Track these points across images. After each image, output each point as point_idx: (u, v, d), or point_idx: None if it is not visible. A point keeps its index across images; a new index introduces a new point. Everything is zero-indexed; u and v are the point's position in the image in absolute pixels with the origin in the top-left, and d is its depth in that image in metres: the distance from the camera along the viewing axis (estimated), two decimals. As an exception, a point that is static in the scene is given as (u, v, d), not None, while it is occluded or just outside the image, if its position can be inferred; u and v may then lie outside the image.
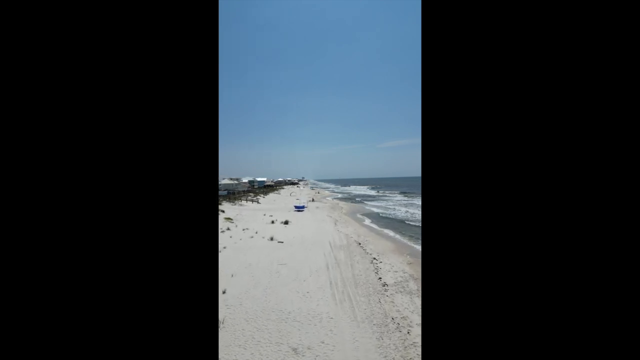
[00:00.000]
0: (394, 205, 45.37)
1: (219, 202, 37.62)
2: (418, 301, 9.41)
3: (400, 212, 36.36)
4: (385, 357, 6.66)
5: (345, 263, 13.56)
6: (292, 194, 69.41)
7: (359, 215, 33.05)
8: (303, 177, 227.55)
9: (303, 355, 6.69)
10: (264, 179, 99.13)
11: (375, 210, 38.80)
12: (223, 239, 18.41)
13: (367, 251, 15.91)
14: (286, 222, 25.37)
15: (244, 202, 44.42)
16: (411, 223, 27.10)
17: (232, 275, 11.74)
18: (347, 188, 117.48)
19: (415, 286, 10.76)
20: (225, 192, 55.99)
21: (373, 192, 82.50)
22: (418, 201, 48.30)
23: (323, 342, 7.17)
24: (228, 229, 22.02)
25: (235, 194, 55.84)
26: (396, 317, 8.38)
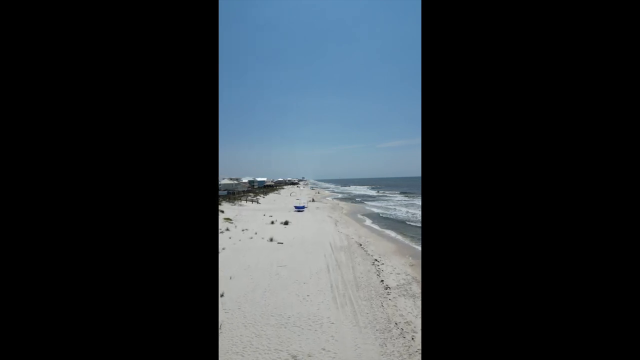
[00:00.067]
0: (394, 205, 45.10)
1: (219, 202, 37.36)
2: (422, 305, 9.13)
3: (401, 212, 36.09)
4: (389, 365, 6.38)
5: (346, 265, 13.28)
6: (292, 194, 69.15)
7: (359, 216, 32.76)
8: (303, 177, 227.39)
9: (303, 363, 6.41)
10: (264, 179, 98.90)
11: (376, 210, 38.52)
12: (222, 240, 18.15)
13: (368, 252, 15.63)
14: (286, 223, 25.09)
15: (243, 202, 44.14)
16: (412, 224, 26.82)
17: (231, 278, 11.46)
18: (347, 188, 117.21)
19: (418, 289, 10.48)
20: (225, 192, 55.73)
21: (373, 192, 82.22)
22: (418, 201, 48.02)
23: (324, 349, 6.90)
24: (227, 229, 21.75)
25: (235, 194, 55.56)
26: (399, 322, 8.11)
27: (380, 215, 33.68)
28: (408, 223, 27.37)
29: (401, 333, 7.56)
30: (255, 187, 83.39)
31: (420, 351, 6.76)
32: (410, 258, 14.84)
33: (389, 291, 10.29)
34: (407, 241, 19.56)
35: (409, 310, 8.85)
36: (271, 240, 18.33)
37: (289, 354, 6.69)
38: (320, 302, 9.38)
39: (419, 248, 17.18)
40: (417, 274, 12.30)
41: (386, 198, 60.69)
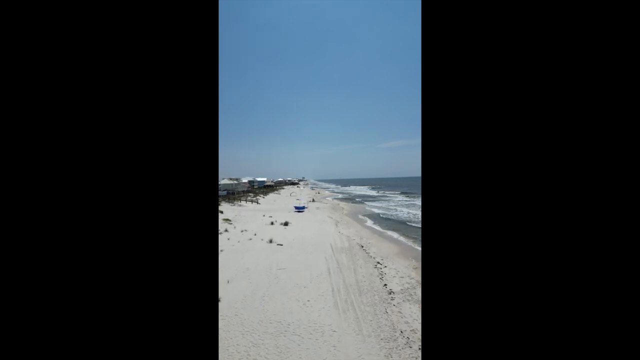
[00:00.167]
0: (395, 205, 44.68)
1: (218, 202, 36.96)
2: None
3: (402, 213, 35.67)
4: (396, 378, 5.96)
5: (347, 267, 12.86)
6: (292, 194, 68.75)
7: (360, 216, 32.35)
8: (303, 177, 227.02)
9: (303, 376, 5.99)
10: (264, 179, 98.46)
11: (377, 211, 38.11)
12: (220, 241, 17.72)
13: (370, 254, 15.21)
14: (286, 224, 24.67)
15: (243, 202, 43.73)
16: (414, 224, 26.41)
17: (228, 282, 11.04)
18: (347, 188, 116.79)
19: (424, 294, 10.05)
20: (224, 193, 55.29)
21: (374, 193, 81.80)
22: (419, 202, 47.56)
23: (326, 360, 6.48)
24: (226, 230, 21.33)
25: (234, 194, 55.14)
26: (405, 331, 7.69)
27: (381, 215, 33.27)
28: (410, 224, 26.94)
29: (407, 342, 7.14)
30: (255, 187, 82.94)
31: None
32: (413, 261, 14.41)
33: (393, 296, 9.87)
34: (409, 243, 19.14)
35: (415, 317, 8.42)
36: (271, 241, 17.91)
37: (289, 366, 6.28)
38: (321, 307, 8.97)
39: (422, 250, 16.75)
40: (422, 277, 11.87)
41: (387, 198, 60.26)
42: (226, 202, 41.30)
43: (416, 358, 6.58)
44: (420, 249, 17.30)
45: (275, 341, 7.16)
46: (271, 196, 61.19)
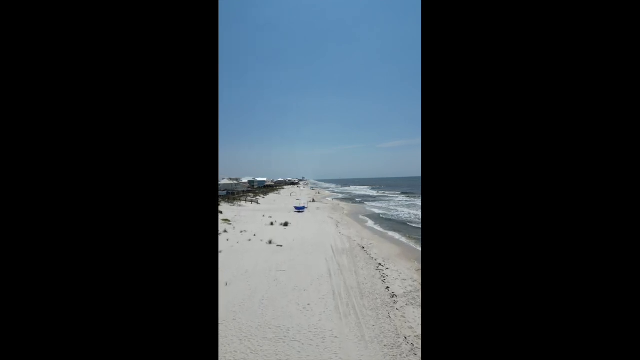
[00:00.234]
0: (396, 206, 44.42)
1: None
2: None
3: (403, 213, 35.41)
4: (400, 387, 5.69)
5: (348, 269, 12.59)
6: (292, 194, 68.48)
7: (361, 217, 32.07)
8: (303, 177, 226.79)
9: (304, 386, 5.72)
10: (264, 179, 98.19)
11: (377, 211, 37.84)
12: (219, 242, 17.45)
13: (371, 256, 14.94)
14: (286, 224, 24.40)
15: (243, 202, 43.45)
16: (415, 225, 26.14)
17: (227, 284, 10.77)
18: (347, 188, 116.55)
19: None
20: (224, 193, 54.99)
21: (374, 193, 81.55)
22: (420, 202, 47.30)
23: (327, 368, 6.20)
24: (225, 231, 21.06)
25: (234, 194, 54.85)
26: (409, 336, 7.41)
27: (382, 216, 33.01)
28: (411, 225, 26.70)
29: (412, 349, 6.87)
30: (255, 187, 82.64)
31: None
32: (416, 262, 14.13)
33: (396, 299, 9.60)
34: (411, 244, 18.86)
35: (419, 322, 8.14)
36: (270, 242, 17.64)
37: (288, 375, 6.01)
38: (321, 311, 8.69)
39: (424, 251, 16.49)
40: (424, 279, 11.61)
41: (387, 198, 60.00)
42: (226, 202, 41.01)
43: (421, 366, 6.31)
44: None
45: (274, 348, 6.89)
46: (271, 196, 60.92)
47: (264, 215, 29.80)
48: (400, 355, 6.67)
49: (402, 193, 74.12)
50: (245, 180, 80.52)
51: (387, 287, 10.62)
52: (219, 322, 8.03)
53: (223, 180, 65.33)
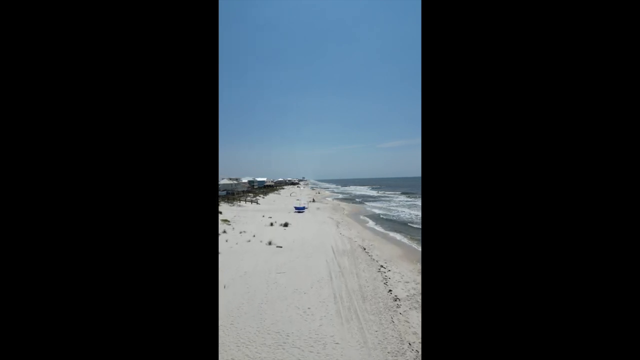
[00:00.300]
0: (396, 206, 44.15)
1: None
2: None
3: (404, 213, 35.13)
4: (406, 398, 5.40)
5: (349, 271, 12.31)
6: (292, 195, 68.22)
7: (361, 217, 31.80)
8: (303, 177, 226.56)
9: (304, 396, 5.44)
10: (264, 179, 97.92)
11: (378, 211, 37.58)
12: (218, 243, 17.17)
13: (373, 257, 14.66)
14: (286, 225, 24.13)
15: (242, 202, 43.17)
16: (416, 226, 25.85)
17: (225, 287, 10.50)
18: (347, 188, 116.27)
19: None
20: (224, 193, 54.67)
21: (374, 193, 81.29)
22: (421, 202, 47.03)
23: (328, 377, 5.93)
24: (224, 231, 20.78)
25: (234, 195, 54.55)
26: (414, 342, 7.13)
27: (383, 216, 32.74)
28: (412, 225, 26.40)
29: (417, 357, 6.59)
30: (255, 187, 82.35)
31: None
32: (418, 264, 13.85)
33: (399, 303, 9.32)
34: (413, 245, 18.59)
35: (423, 326, 7.87)
36: (270, 243, 17.36)
37: (288, 384, 5.73)
38: (322, 316, 8.42)
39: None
40: (428, 282, 11.32)
41: (387, 198, 59.73)
42: (225, 202, 40.72)
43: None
44: (424, 251, 16.76)
45: (273, 355, 6.61)
46: (271, 196, 60.65)
47: (263, 216, 29.53)
48: (404, 363, 6.39)
49: (403, 193, 73.85)
50: (245, 180, 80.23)
51: (390, 290, 10.34)
52: (216, 327, 7.76)
53: (223, 180, 65.02)
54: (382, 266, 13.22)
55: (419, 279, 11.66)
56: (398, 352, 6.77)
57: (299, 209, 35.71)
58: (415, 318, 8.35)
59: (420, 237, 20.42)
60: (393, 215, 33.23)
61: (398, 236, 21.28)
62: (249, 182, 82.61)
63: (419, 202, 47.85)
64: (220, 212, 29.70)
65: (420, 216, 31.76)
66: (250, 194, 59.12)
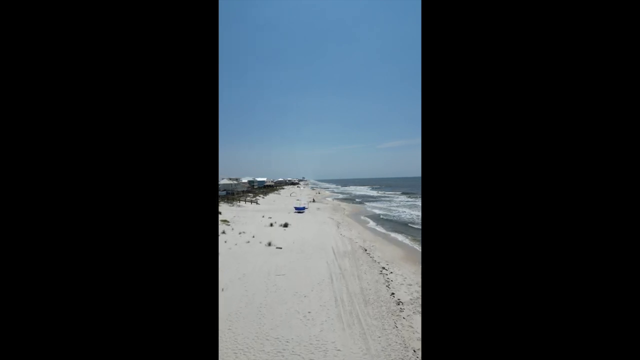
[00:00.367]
0: (397, 206, 43.87)
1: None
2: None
3: (405, 214, 34.85)
4: (412, 410, 5.11)
5: (351, 273, 12.03)
6: (292, 195, 67.94)
7: (362, 217, 31.52)
8: (303, 177, 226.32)
9: (304, 408, 5.15)
10: (264, 179, 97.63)
11: (379, 212, 37.29)
12: (216, 244, 16.89)
13: (374, 259, 14.37)
14: (285, 225, 23.84)
15: (242, 202, 42.88)
16: (417, 226, 25.55)
17: (222, 290, 10.21)
18: (347, 188, 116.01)
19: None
20: (223, 193, 54.36)
21: (374, 193, 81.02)
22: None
23: (330, 387, 5.64)
24: (223, 232, 20.50)
25: (234, 195, 54.25)
26: (418, 349, 6.84)
27: (384, 217, 32.45)
28: (413, 226, 26.11)
29: (422, 365, 6.30)
30: (255, 187, 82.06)
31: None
32: (421, 266, 13.57)
33: (402, 307, 9.03)
34: (415, 246, 18.30)
35: (428, 332, 7.58)
36: (269, 244, 17.07)
37: (287, 395, 5.44)
38: (323, 320, 8.13)
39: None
40: (431, 285, 11.04)
41: (388, 199, 59.45)
42: (225, 202, 40.43)
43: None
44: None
45: (272, 362, 6.32)
46: (271, 196, 60.37)
47: (263, 216, 29.24)
48: (409, 371, 6.11)
49: (403, 193, 73.60)
50: (245, 180, 79.94)
51: (393, 294, 10.05)
52: (213, 332, 7.47)
53: (222, 180, 64.72)
54: (383, 268, 12.94)
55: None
56: (402, 359, 6.47)
57: (299, 209, 35.42)
58: (418, 323, 8.05)
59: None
60: (394, 216, 32.94)
61: (400, 237, 21.00)
62: (249, 182, 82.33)
63: (419, 203, 47.55)
64: (220, 213, 29.41)
65: (421, 216, 31.50)
66: (250, 194, 58.82)
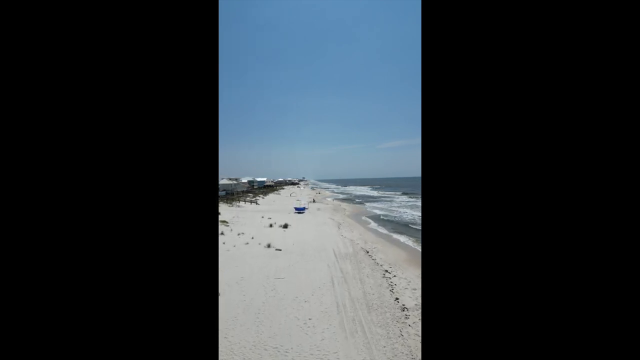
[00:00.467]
0: (398, 207, 43.45)
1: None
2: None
3: (407, 214, 34.43)
4: None
5: (353, 277, 11.61)
6: (292, 195, 67.53)
7: (363, 218, 31.11)
8: (303, 177, 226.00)
9: None
10: (264, 179, 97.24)
11: (380, 212, 36.87)
12: (214, 246, 16.46)
13: (377, 261, 13.95)
14: (285, 226, 23.42)
15: (242, 203, 42.46)
16: (419, 227, 25.13)
17: (219, 294, 9.78)
18: (348, 188, 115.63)
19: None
20: (223, 193, 53.90)
21: (375, 193, 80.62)
22: (423, 203, 46.37)
23: (332, 404, 5.22)
24: (222, 233, 20.06)
25: (233, 195, 53.82)
26: (427, 361, 6.42)
27: (385, 217, 32.03)
28: (415, 227, 25.70)
29: (431, 378, 5.87)
30: (254, 187, 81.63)
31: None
32: (424, 268, 13.15)
33: (407, 313, 8.60)
34: (418, 247, 17.87)
35: (436, 341, 7.16)
36: (269, 246, 16.65)
37: (286, 413, 5.02)
38: (324, 328, 7.71)
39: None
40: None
41: (389, 199, 59.05)
42: (224, 202, 40.00)
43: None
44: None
45: (270, 375, 5.90)
46: (271, 196, 59.96)
47: (263, 217, 28.81)
48: (418, 386, 5.68)
49: (404, 193, 73.22)
50: (244, 180, 79.52)
51: (397, 299, 9.63)
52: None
53: (222, 180, 64.26)
54: (386, 271, 12.52)
55: (427, 285, 10.96)
56: (410, 372, 6.06)
57: (299, 210, 34.99)
58: (426, 331, 7.64)
59: (424, 240, 19.74)
60: (395, 216, 32.52)
61: (402, 238, 20.58)
62: (249, 182, 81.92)
63: (420, 203, 47.17)
64: (219, 213, 28.99)
65: (423, 217, 31.09)
66: (249, 194, 58.40)
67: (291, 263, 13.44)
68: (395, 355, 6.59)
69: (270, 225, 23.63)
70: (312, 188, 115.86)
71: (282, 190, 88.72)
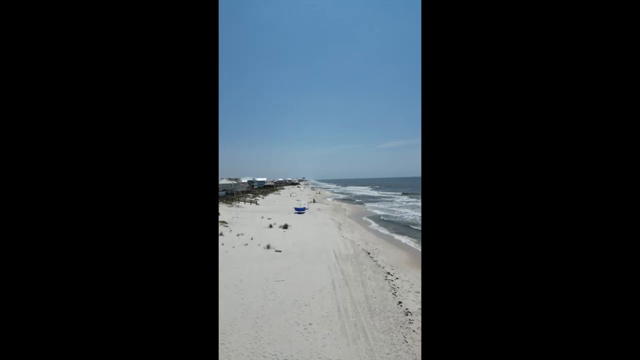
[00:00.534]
0: (399, 207, 43.18)
1: (215, 203, 35.29)
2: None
3: (407, 214, 34.16)
4: None
5: (354, 279, 11.34)
6: (292, 195, 67.25)
7: (364, 218, 30.83)
8: (303, 177, 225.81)
9: None
10: (264, 179, 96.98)
11: (380, 212, 36.60)
12: (213, 247, 16.18)
13: (378, 263, 13.68)
14: (285, 227, 23.14)
15: (241, 203, 42.18)
16: (420, 228, 24.87)
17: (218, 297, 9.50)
18: (348, 188, 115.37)
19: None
20: (223, 193, 53.61)
21: (375, 193, 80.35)
22: (424, 203, 46.11)
23: (334, 417, 4.94)
24: (221, 234, 19.79)
25: (233, 195, 53.53)
26: (433, 369, 6.15)
27: (386, 218, 31.75)
28: (416, 227, 25.40)
29: (438, 388, 5.60)
30: (254, 187, 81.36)
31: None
32: (427, 270, 12.88)
33: (411, 318, 8.33)
34: (419, 248, 17.60)
35: (441, 348, 6.89)
36: (268, 247, 16.38)
37: None
38: (325, 334, 7.44)
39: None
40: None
41: (389, 199, 58.79)
42: (224, 202, 39.72)
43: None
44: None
45: (269, 385, 5.63)
46: (271, 196, 59.69)
47: (262, 217, 28.53)
48: (424, 397, 5.41)
49: (404, 193, 72.96)
50: (244, 180, 79.24)
51: (400, 302, 9.35)
52: (205, 347, 6.78)
53: (222, 180, 63.96)
54: (388, 273, 12.25)
55: (430, 288, 10.69)
56: (415, 382, 5.79)
57: (299, 210, 34.71)
58: (431, 337, 7.37)
59: (426, 241, 19.47)
60: (396, 217, 32.24)
61: (403, 239, 20.31)
62: (249, 182, 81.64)
63: (420, 203, 46.91)
64: (218, 213, 28.71)
65: (424, 218, 30.80)
66: (249, 194, 58.12)
67: (291, 265, 13.17)
68: (400, 363, 6.31)
69: (270, 226, 23.37)
70: (312, 188, 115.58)
71: (282, 190, 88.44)
